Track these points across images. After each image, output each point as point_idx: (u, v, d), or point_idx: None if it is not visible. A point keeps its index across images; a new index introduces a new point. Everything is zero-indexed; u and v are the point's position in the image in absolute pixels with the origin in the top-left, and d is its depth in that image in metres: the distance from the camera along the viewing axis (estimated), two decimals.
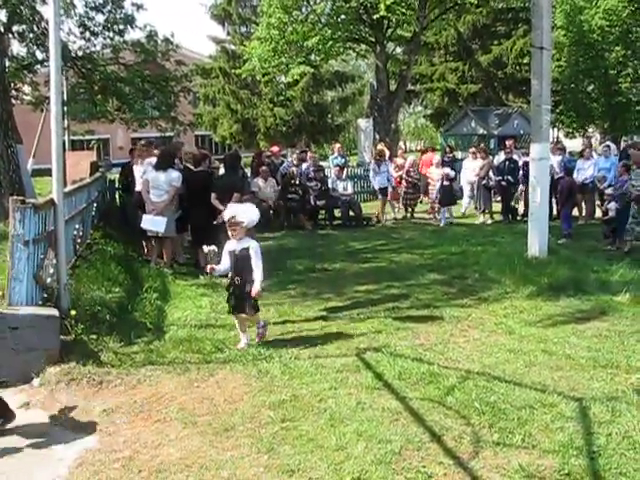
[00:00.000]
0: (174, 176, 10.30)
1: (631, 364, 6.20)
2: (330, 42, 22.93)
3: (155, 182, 10.29)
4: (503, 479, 4.18)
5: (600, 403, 5.26)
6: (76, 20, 17.97)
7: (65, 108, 17.92)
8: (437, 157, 18.96)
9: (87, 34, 18.14)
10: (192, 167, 11.12)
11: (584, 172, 15.43)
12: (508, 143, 17.65)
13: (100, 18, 18.27)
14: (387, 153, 18.68)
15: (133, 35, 19.47)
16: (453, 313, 8.21)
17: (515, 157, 17.24)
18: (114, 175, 16.32)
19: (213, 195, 10.32)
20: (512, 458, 4.42)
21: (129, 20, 18.52)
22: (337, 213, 16.76)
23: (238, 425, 5.02)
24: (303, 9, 23.64)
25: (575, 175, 15.08)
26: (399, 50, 35.77)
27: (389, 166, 17.29)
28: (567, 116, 32.35)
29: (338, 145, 21.29)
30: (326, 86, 38.12)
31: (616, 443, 4.58)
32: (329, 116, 38.67)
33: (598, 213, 15.26)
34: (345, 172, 17.81)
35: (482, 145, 19.66)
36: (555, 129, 35.99)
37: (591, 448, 4.51)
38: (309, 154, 18.69)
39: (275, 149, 18.47)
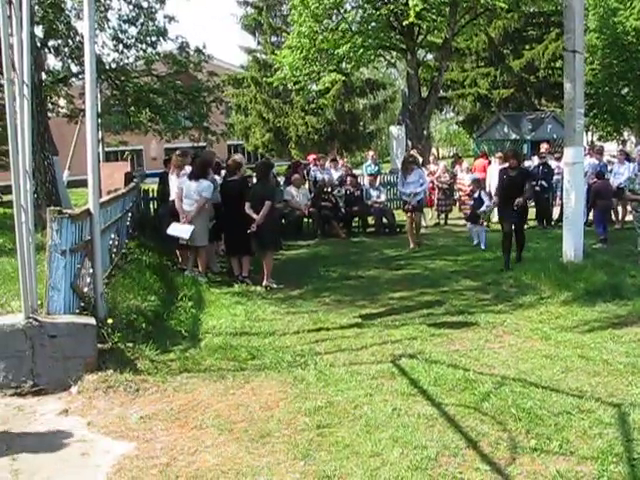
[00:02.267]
0: (204, 186, 10.34)
1: None
2: (361, 50, 22.98)
3: (187, 191, 10.40)
4: None
5: (639, 409, 5.18)
6: (110, 33, 18.28)
7: (99, 120, 18.18)
8: (466, 162, 18.79)
9: (120, 47, 18.43)
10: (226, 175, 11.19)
11: (620, 176, 15.23)
12: (544, 147, 17.52)
13: (133, 31, 18.56)
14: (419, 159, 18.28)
15: (165, 47, 19.76)
16: (488, 319, 8.16)
17: (549, 162, 17.11)
18: (148, 185, 16.52)
19: (247, 204, 10.39)
20: (550, 464, 4.38)
21: (161, 32, 18.77)
22: (370, 221, 16.74)
23: (274, 431, 5.04)
24: (333, 17, 23.74)
25: (612, 179, 14.91)
26: (430, 56, 35.68)
27: (423, 174, 14.74)
28: (601, 119, 32.04)
29: (372, 153, 21.25)
30: (357, 94, 38.16)
31: None
32: (361, 124, 38.69)
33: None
34: (378, 180, 17.81)
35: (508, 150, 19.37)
36: (589, 133, 35.62)
37: (631, 455, 4.45)
38: (340, 161, 18.70)
39: (312, 157, 18.46)
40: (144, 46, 18.82)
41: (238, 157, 11.95)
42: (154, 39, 18.81)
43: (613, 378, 5.98)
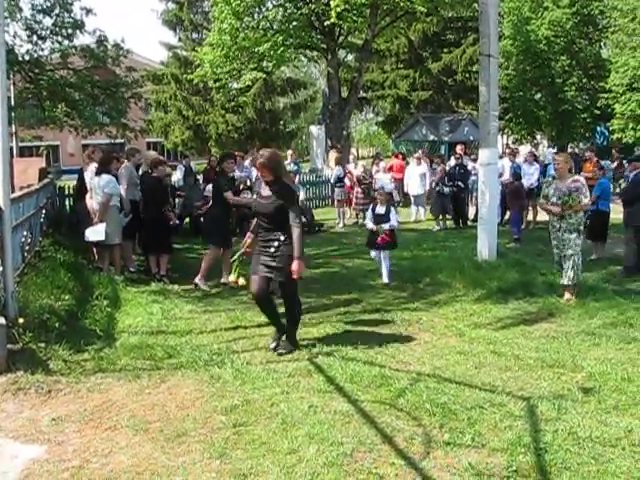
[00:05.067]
0: (105, 181, 10.24)
1: (577, 363, 6.35)
2: (282, 48, 23.01)
3: (95, 188, 10.30)
4: (453, 478, 4.24)
5: (547, 401, 5.37)
6: (22, 23, 17.66)
7: (12, 113, 17.58)
8: (383, 163, 19.09)
9: (34, 38, 17.83)
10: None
11: (530, 177, 15.74)
12: (458, 149, 17.94)
13: (48, 22, 17.98)
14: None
15: (82, 40, 19.24)
16: (404, 316, 8.29)
17: (465, 163, 17.55)
18: (64, 182, 16.11)
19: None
20: (462, 457, 4.49)
21: (78, 25, 18.26)
22: None
23: (190, 431, 4.99)
24: (255, 15, 23.72)
25: (522, 180, 15.38)
26: (351, 57, 36.07)
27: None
28: (516, 123, 33.05)
29: (291, 152, 21.34)
30: (278, 92, 38.20)
31: (562, 439, 4.69)
32: (281, 123, 38.74)
33: (544, 217, 15.56)
34: (297, 179, 17.86)
35: (418, 153, 19.78)
36: (504, 136, 36.67)
37: (538, 445, 4.61)
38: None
39: (236, 154, 18.36)
40: (60, 38, 18.27)
41: (153, 154, 11.84)
42: (70, 31, 18.29)
43: (523, 372, 6.17)
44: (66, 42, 18.40)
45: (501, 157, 16.51)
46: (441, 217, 16.88)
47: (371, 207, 10.75)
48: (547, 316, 8.23)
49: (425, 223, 17.26)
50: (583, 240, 9.40)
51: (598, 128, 33.56)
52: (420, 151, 19.51)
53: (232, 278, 8.02)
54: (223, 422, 5.11)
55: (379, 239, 10.30)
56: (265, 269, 6.79)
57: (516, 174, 15.00)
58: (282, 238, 6.70)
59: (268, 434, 4.88)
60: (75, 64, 19.02)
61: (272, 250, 6.72)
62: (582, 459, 4.41)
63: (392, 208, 10.64)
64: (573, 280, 8.89)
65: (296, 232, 6.64)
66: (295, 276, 6.60)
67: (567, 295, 8.89)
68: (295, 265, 6.56)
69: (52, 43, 18.30)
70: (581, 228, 9.05)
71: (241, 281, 7.86)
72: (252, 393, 5.68)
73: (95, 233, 10.04)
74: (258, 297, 6.96)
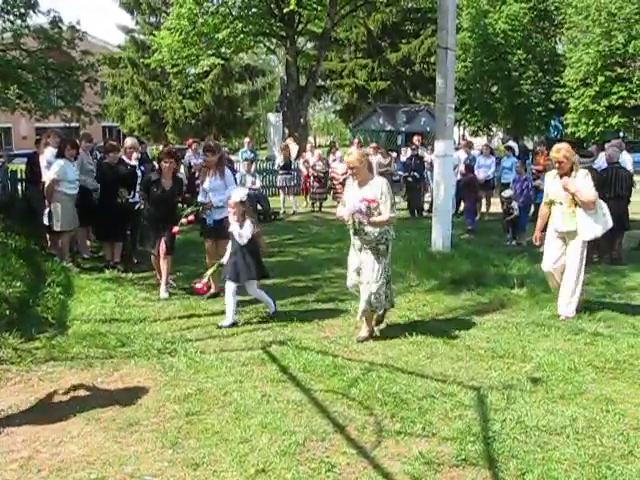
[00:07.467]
0: (52, 165, 10.15)
1: (526, 354, 6.47)
2: (241, 35, 22.93)
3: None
4: (404, 467, 4.30)
5: (497, 391, 5.48)
6: None
7: None
8: (339, 152, 19.18)
9: None
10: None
11: (486, 169, 15.93)
12: (415, 139, 18.07)
13: None
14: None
15: (36, 20, 18.85)
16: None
17: (422, 154, 17.68)
18: (16, 165, 15.80)
19: None
20: (413, 446, 4.56)
21: (31, 4, 17.87)
22: None
23: (142, 420, 4.97)
24: (214, 1, 23.52)
25: (477, 172, 15.55)
26: (310, 45, 36.02)
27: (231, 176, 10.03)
28: (472, 115, 33.40)
29: (248, 139, 21.23)
30: (236, 79, 37.95)
31: (510, 428, 4.79)
32: (239, 110, 38.52)
33: (496, 209, 15.79)
34: (254, 166, 17.80)
35: (374, 143, 19.97)
36: (461, 127, 37.03)
37: (487, 434, 4.70)
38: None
39: (190, 142, 18.19)
40: (12, 17, 17.88)
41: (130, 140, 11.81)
42: (23, 10, 17.90)
43: (474, 363, 6.26)
44: (18, 22, 18.01)
45: (457, 149, 16.68)
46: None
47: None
48: (499, 307, 8.33)
49: None
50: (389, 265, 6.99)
51: (552, 122, 34.13)
52: (356, 141, 19.61)
53: None
54: (176, 411, 5.10)
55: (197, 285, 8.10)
56: None
57: (468, 166, 15.16)
58: None
59: (221, 423, 4.89)
60: (28, 45, 18.64)
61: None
62: (529, 447, 4.52)
63: (247, 220, 7.54)
64: (363, 313, 7.01)
65: None
66: None
67: (362, 332, 7.08)
68: None
69: (3, 22, 17.90)
70: (381, 248, 6.78)
71: None
72: (205, 382, 5.68)
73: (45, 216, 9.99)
74: None
